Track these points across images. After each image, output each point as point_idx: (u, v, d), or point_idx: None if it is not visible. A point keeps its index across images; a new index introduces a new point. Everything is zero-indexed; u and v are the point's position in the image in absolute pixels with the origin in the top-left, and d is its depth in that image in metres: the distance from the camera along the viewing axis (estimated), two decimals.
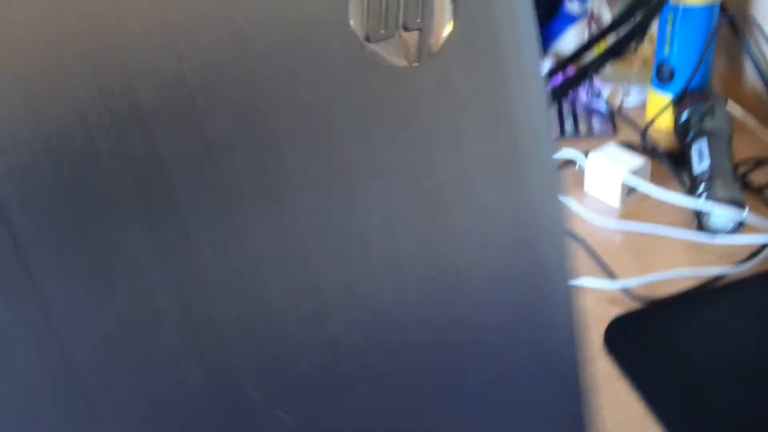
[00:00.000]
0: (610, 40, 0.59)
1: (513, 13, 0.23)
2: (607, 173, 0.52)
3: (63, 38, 0.17)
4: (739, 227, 0.48)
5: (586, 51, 0.59)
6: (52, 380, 0.19)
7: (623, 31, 0.56)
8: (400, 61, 0.20)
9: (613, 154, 0.53)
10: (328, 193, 0.21)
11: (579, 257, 0.48)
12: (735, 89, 0.64)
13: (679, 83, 0.60)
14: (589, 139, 0.62)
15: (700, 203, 0.47)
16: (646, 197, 0.53)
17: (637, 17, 0.54)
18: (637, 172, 0.51)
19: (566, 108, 0.67)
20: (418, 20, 0.20)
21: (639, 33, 0.55)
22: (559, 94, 0.57)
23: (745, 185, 0.52)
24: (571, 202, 0.52)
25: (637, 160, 0.52)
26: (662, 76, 0.62)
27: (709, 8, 0.57)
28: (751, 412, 0.36)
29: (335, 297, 0.22)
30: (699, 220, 0.48)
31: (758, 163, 0.54)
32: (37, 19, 0.17)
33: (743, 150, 0.57)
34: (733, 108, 0.59)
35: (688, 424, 0.35)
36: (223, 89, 0.19)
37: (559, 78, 0.61)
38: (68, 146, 0.18)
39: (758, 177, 0.53)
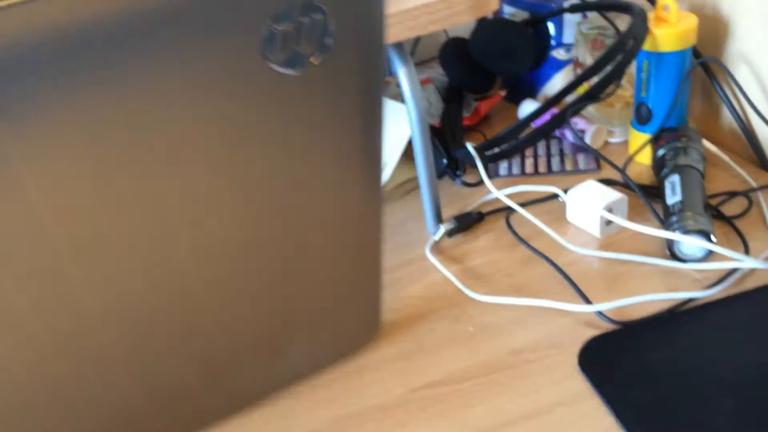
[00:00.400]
0: (592, 83, 0.63)
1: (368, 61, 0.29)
2: (586, 207, 0.56)
3: None
4: (709, 255, 0.51)
5: (568, 93, 0.63)
6: None
7: (602, 76, 0.60)
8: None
9: (591, 189, 0.57)
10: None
11: (557, 283, 0.52)
12: (711, 126, 0.68)
13: (656, 123, 0.64)
14: (575, 175, 0.66)
15: (670, 234, 0.51)
16: (624, 228, 0.56)
17: (613, 63, 0.59)
18: (613, 206, 0.55)
19: (554, 147, 0.71)
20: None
21: (615, 78, 0.59)
22: (544, 133, 0.61)
23: (720, 215, 0.56)
24: (553, 233, 0.56)
25: (613, 195, 0.55)
26: (641, 117, 0.66)
27: (681, 54, 0.62)
28: (713, 426, 0.38)
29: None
30: (671, 249, 0.52)
31: (731, 195, 0.58)
32: None
33: (718, 184, 0.61)
34: (709, 145, 0.63)
35: None
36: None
37: (545, 118, 0.65)
38: None
39: (731, 208, 0.57)
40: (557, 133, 0.72)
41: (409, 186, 0.67)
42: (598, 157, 0.67)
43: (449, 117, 0.73)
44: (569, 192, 0.57)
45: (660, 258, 0.52)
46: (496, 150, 0.64)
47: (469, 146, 0.63)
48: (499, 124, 0.77)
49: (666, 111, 0.63)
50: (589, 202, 0.55)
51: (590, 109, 0.72)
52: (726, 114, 0.66)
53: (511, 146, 0.63)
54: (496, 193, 0.59)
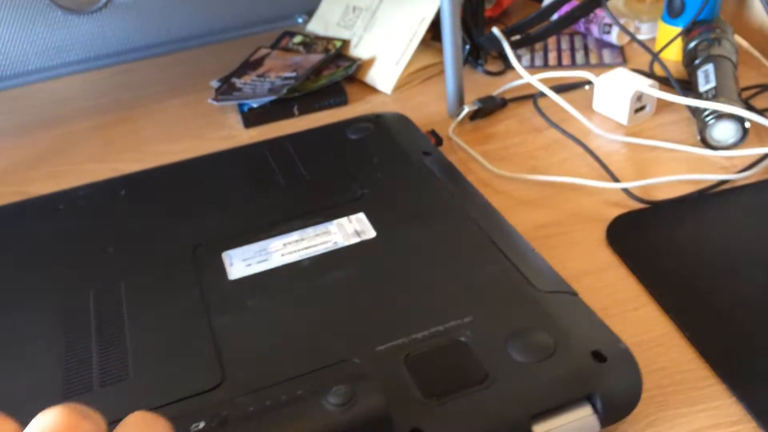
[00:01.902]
0: None
1: None
2: (616, 93, 0.55)
3: None
4: (740, 142, 0.51)
5: None
6: None
7: None
8: None
9: (622, 75, 0.56)
10: None
11: (583, 166, 0.51)
12: (742, 23, 0.67)
13: (689, 15, 0.63)
14: (599, 68, 0.64)
15: (703, 116, 0.50)
16: (652, 118, 0.56)
17: None
18: (643, 93, 0.54)
19: (578, 42, 0.70)
20: None
21: None
22: (574, 18, 0.59)
23: (749, 108, 0.55)
24: (581, 117, 0.55)
25: (644, 81, 0.55)
26: (673, 10, 0.64)
27: None
28: (741, 294, 0.39)
29: None
30: (702, 135, 0.51)
31: (764, 88, 0.57)
32: None
33: (748, 79, 0.60)
34: (741, 39, 0.62)
35: (680, 300, 0.38)
36: None
37: (565, 9, 0.63)
38: None
39: (761, 101, 0.56)
40: (581, 28, 0.71)
41: (429, 72, 0.66)
42: (623, 52, 0.66)
43: (471, 4, 0.71)
44: (599, 78, 0.56)
45: (689, 145, 0.52)
46: (518, 37, 0.63)
47: (496, 30, 0.61)
48: (520, 20, 0.75)
49: (699, 3, 0.62)
50: (620, 88, 0.54)
51: (618, 4, 0.70)
52: (757, 10, 0.65)
53: (539, 31, 0.62)
54: (527, 77, 0.57)
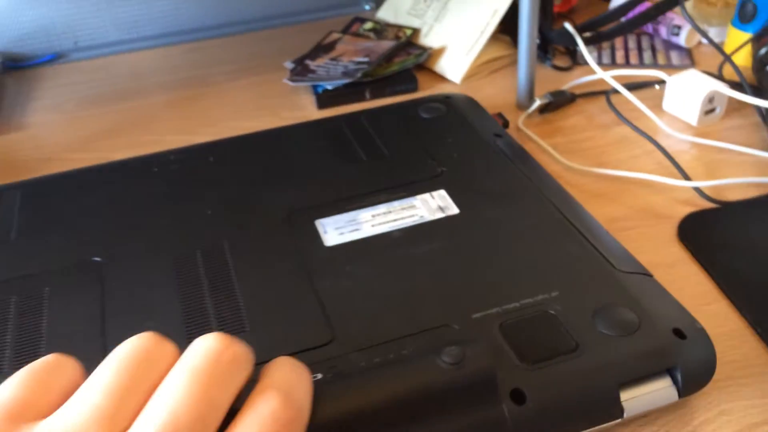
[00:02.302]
0: None
1: None
2: (687, 93, 0.57)
3: None
4: None
5: None
6: None
7: None
8: None
9: (693, 77, 0.58)
10: None
11: (652, 163, 0.54)
12: None
13: (760, 21, 0.65)
14: (667, 69, 0.66)
15: None
16: (721, 120, 0.58)
17: None
18: (715, 95, 0.56)
19: (645, 42, 0.72)
20: None
21: None
22: (650, 17, 0.61)
23: None
24: (653, 116, 0.57)
25: (715, 84, 0.56)
26: (745, 15, 0.66)
27: None
28: None
29: None
30: None
31: None
32: None
33: None
34: None
35: (751, 298, 0.40)
36: None
37: (638, 9, 0.65)
38: None
39: None
40: (649, 29, 0.72)
41: (496, 64, 0.68)
42: (692, 55, 0.67)
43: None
44: (671, 78, 0.58)
45: (758, 149, 0.54)
46: (589, 34, 0.65)
47: (569, 26, 0.63)
48: (587, 18, 0.77)
49: None
50: (692, 89, 0.56)
51: (687, 7, 0.72)
52: None
53: (611, 29, 0.64)
54: (601, 73, 0.60)
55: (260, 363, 0.31)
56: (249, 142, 0.51)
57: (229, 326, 0.34)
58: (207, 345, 0.25)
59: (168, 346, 0.25)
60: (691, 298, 0.42)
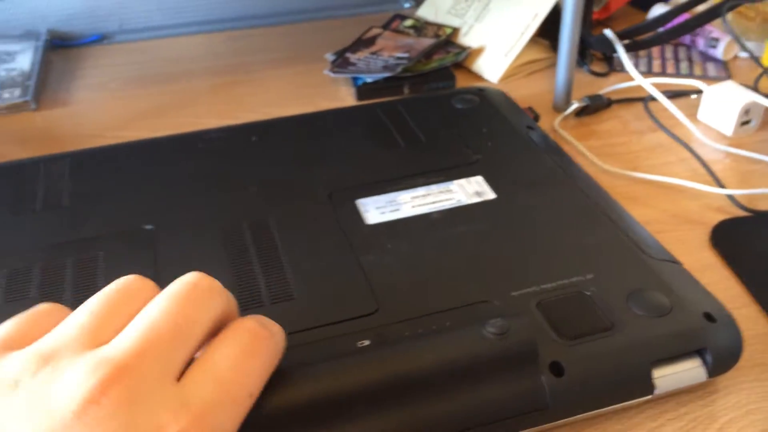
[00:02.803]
0: None
1: None
2: (724, 103, 0.59)
3: None
4: None
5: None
6: None
7: None
8: None
9: (730, 88, 0.60)
10: None
11: (686, 170, 0.56)
12: None
13: None
14: (703, 80, 0.68)
15: None
16: (755, 132, 0.60)
17: None
18: (751, 107, 0.58)
19: (682, 53, 0.74)
20: None
21: None
22: (691, 27, 0.64)
23: None
24: (689, 124, 0.59)
25: (752, 96, 0.58)
26: None
27: None
28: None
29: None
30: None
31: None
32: None
33: None
34: None
35: None
36: None
37: (677, 20, 0.67)
38: None
39: None
40: (687, 40, 0.75)
41: (533, 67, 0.71)
42: (727, 67, 0.69)
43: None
44: (708, 88, 0.60)
45: None
46: (627, 42, 0.67)
47: (609, 32, 0.66)
48: (623, 26, 0.79)
49: None
50: (729, 100, 0.58)
51: (727, 20, 0.74)
52: None
53: (650, 38, 0.66)
54: (640, 80, 0.62)
55: (305, 330, 0.34)
56: (290, 124, 0.54)
57: (277, 294, 0.37)
58: (185, 277, 0.28)
59: (150, 283, 0.29)
60: (722, 301, 0.45)
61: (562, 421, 0.32)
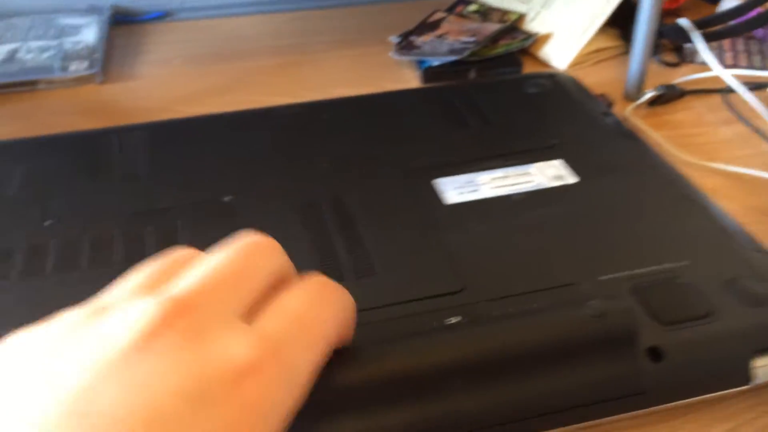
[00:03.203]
0: None
1: None
2: None
3: None
4: None
5: None
6: None
7: None
8: None
9: None
10: None
11: (763, 164, 0.54)
12: None
13: None
14: None
15: None
16: None
17: None
18: None
19: (753, 45, 0.72)
20: None
21: None
22: (751, 27, 0.62)
23: None
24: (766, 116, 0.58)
25: None
26: None
27: None
28: None
29: None
30: None
31: None
32: None
33: None
34: None
35: None
36: None
37: (751, 14, 0.66)
38: None
39: None
40: (759, 33, 0.73)
41: (601, 55, 0.69)
42: None
43: None
44: None
45: None
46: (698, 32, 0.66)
47: (685, 21, 0.64)
48: (692, 18, 0.78)
49: None
50: None
51: None
52: None
53: (724, 30, 0.65)
54: (718, 70, 0.60)
55: (390, 305, 0.34)
56: (360, 103, 0.54)
57: (360, 269, 0.37)
58: (245, 233, 0.28)
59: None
60: None
61: (656, 407, 0.31)
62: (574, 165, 0.45)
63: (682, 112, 0.61)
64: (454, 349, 0.30)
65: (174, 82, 0.68)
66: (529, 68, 0.68)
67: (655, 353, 0.31)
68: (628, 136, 0.49)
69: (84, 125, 0.58)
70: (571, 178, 0.43)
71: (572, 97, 0.54)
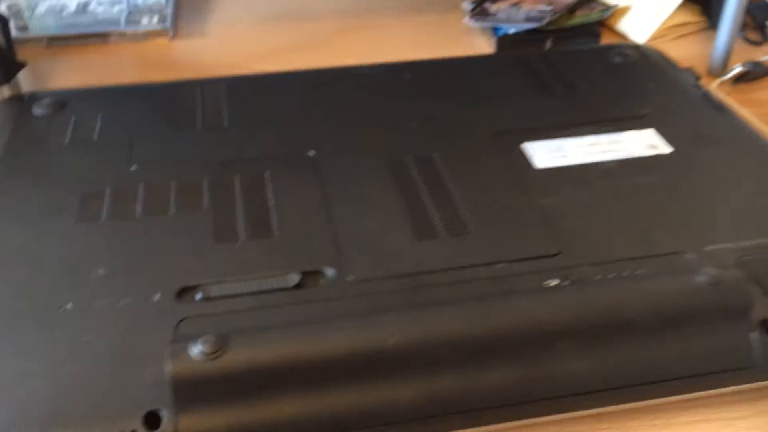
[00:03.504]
0: None
1: None
2: None
3: None
4: None
5: None
6: None
7: None
8: None
9: None
10: None
11: None
12: None
13: None
14: None
15: None
16: None
17: None
18: None
19: None
20: None
21: None
22: None
23: None
24: None
25: None
26: None
27: None
28: None
29: None
30: None
31: None
32: None
33: None
34: None
35: None
36: None
37: None
38: None
39: None
40: None
41: (681, 30, 0.67)
42: None
43: None
44: None
45: None
46: None
47: None
48: None
49: None
50: None
51: None
52: None
53: None
54: None
55: (485, 264, 0.33)
56: (440, 66, 0.53)
57: (452, 227, 0.36)
58: None
59: None
60: None
61: (764, 383, 0.30)
62: (666, 135, 0.43)
63: (765, 92, 0.59)
64: (559, 311, 0.29)
65: (243, 41, 0.67)
66: (606, 40, 0.66)
67: (766, 326, 0.30)
68: (720, 109, 0.47)
69: (156, 79, 0.58)
70: (665, 148, 0.42)
71: (659, 69, 0.52)
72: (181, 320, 0.29)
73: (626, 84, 0.50)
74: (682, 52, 0.65)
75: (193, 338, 0.27)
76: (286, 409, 0.26)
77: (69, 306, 0.31)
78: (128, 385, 0.27)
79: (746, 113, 0.55)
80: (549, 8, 0.66)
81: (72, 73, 0.62)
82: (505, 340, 0.28)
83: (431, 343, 0.27)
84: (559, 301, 0.30)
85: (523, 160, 0.41)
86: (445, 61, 0.53)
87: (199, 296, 0.31)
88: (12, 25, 0.58)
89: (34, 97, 0.48)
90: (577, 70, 0.51)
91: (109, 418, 0.26)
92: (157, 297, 0.31)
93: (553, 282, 0.32)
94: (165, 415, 0.25)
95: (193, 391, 0.25)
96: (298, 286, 0.32)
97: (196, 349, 0.26)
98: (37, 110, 0.47)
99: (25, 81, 0.56)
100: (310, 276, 0.33)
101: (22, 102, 0.49)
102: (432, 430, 0.27)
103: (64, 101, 0.48)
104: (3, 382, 0.27)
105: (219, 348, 0.26)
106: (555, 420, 0.30)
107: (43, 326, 0.30)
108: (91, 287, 0.32)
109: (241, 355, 0.26)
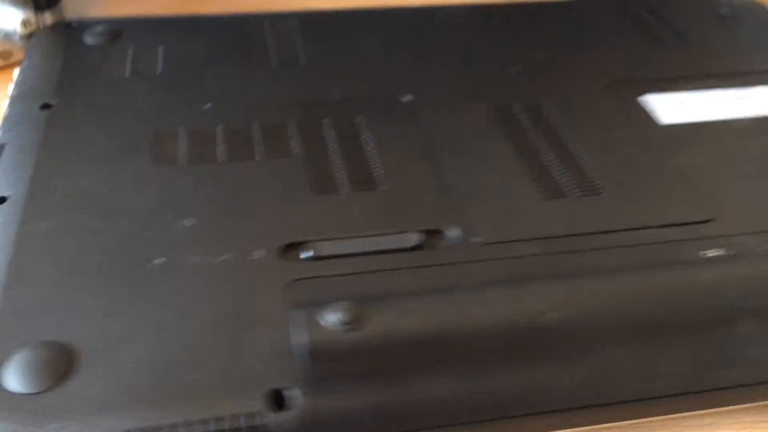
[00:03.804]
0: None
1: None
2: None
3: None
4: None
5: None
6: None
7: None
8: None
9: None
10: None
11: None
12: None
13: None
14: None
15: None
16: None
17: None
18: None
19: None
20: None
21: None
22: None
23: None
24: None
25: None
26: None
27: None
28: None
29: None
30: None
31: None
32: None
33: None
34: None
35: None
36: None
37: None
38: None
39: None
40: None
41: None
42: None
43: None
44: None
45: None
46: None
47: None
48: None
49: None
50: None
51: None
52: None
53: None
54: None
55: (625, 230, 0.29)
56: (531, 8, 0.48)
57: (580, 187, 0.32)
58: None
59: None
60: None
61: None
62: None
63: None
64: (728, 285, 0.26)
65: None
66: None
67: None
68: None
69: (210, 11, 0.53)
70: None
71: None
72: (295, 281, 0.25)
73: (740, 37, 0.45)
74: None
75: (323, 304, 0.23)
76: (433, 389, 0.22)
77: (157, 261, 0.27)
78: (243, 356, 0.23)
79: None
80: None
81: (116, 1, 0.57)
82: (683, 318, 0.24)
83: (601, 319, 0.23)
84: (721, 273, 0.26)
85: (645, 115, 0.37)
86: (533, 5, 0.48)
87: (306, 254, 0.27)
88: None
89: (84, 25, 0.43)
90: (685, 19, 0.46)
91: (227, 397, 0.22)
92: (258, 254, 0.27)
93: (713, 252, 0.28)
94: (295, 393, 0.21)
95: (331, 367, 0.22)
96: (417, 247, 0.28)
97: (332, 317, 0.22)
98: (90, 39, 0.42)
99: (66, 7, 0.51)
100: (429, 236, 0.29)
101: (70, 30, 0.44)
102: (600, 420, 0.24)
103: (118, 31, 0.43)
104: (93, 347, 0.23)
105: (359, 316, 0.22)
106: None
107: (132, 284, 0.26)
108: (181, 240, 0.28)
109: (384, 325, 0.22)
